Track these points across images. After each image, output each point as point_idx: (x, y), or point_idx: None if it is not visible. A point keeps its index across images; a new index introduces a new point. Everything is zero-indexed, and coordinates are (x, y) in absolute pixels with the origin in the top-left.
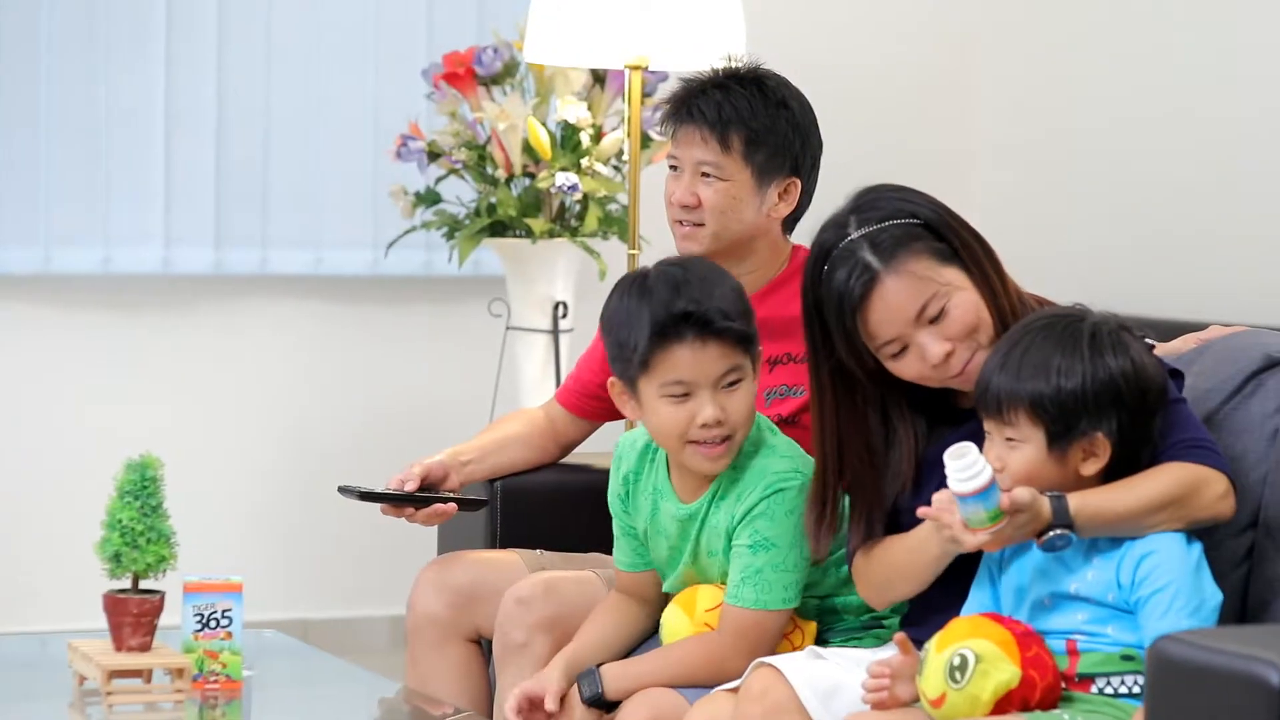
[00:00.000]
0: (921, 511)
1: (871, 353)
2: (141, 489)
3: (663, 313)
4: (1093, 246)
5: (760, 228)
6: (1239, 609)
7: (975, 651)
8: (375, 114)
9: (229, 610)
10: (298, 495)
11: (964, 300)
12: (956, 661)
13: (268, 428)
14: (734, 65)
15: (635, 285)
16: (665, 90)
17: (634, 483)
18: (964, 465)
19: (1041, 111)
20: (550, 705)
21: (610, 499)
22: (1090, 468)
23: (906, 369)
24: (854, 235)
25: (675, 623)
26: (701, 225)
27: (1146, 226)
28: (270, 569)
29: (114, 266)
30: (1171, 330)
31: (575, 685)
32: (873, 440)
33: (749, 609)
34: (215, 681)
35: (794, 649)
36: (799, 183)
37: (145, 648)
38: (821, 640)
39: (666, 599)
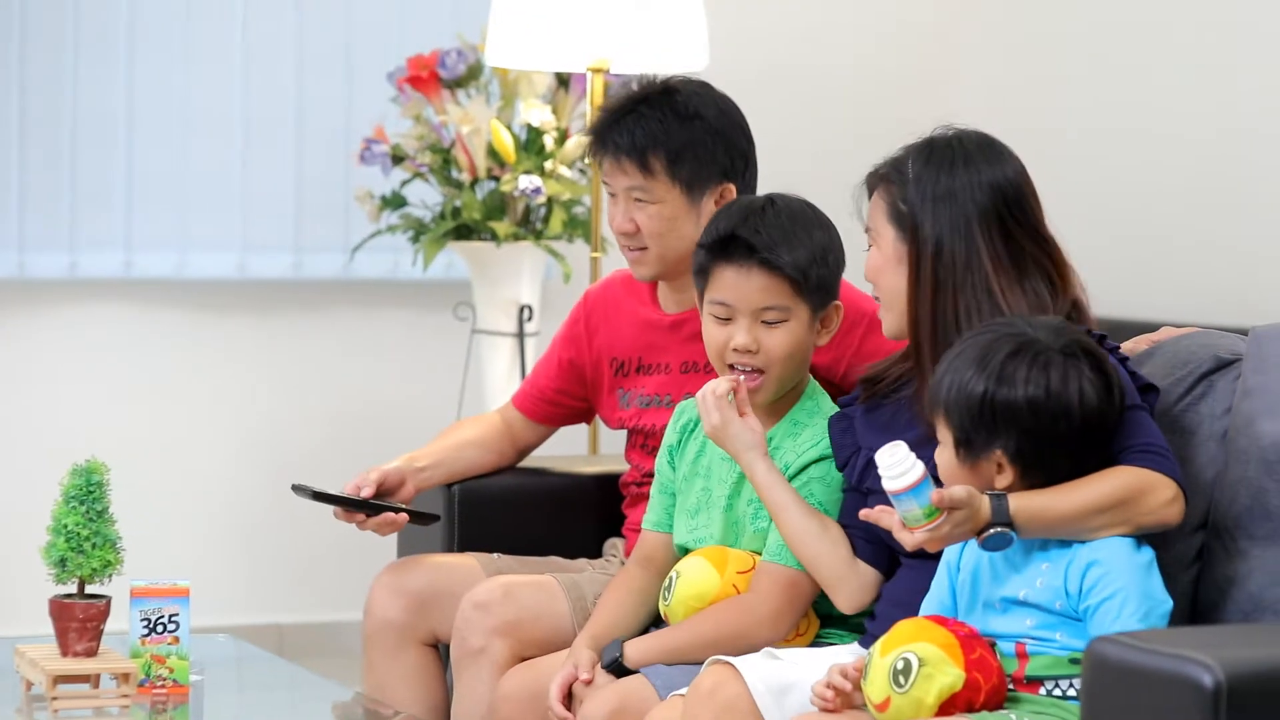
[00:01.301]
0: (864, 514)
1: None
2: (87, 494)
3: (723, 229)
4: (1069, 249)
5: None
6: (1189, 611)
7: (919, 655)
8: (347, 118)
9: (176, 615)
10: (267, 499)
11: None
12: (900, 665)
13: (235, 431)
14: (644, 84)
15: (733, 203)
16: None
17: (689, 432)
18: (894, 462)
19: (1018, 113)
20: (584, 674)
21: (659, 455)
22: (1001, 481)
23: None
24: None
25: (701, 575)
26: (645, 249)
27: (1123, 229)
28: (243, 573)
29: (80, 272)
30: (1144, 331)
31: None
32: None
33: (790, 568)
34: (162, 687)
35: (798, 636)
36: (733, 186)
37: (91, 653)
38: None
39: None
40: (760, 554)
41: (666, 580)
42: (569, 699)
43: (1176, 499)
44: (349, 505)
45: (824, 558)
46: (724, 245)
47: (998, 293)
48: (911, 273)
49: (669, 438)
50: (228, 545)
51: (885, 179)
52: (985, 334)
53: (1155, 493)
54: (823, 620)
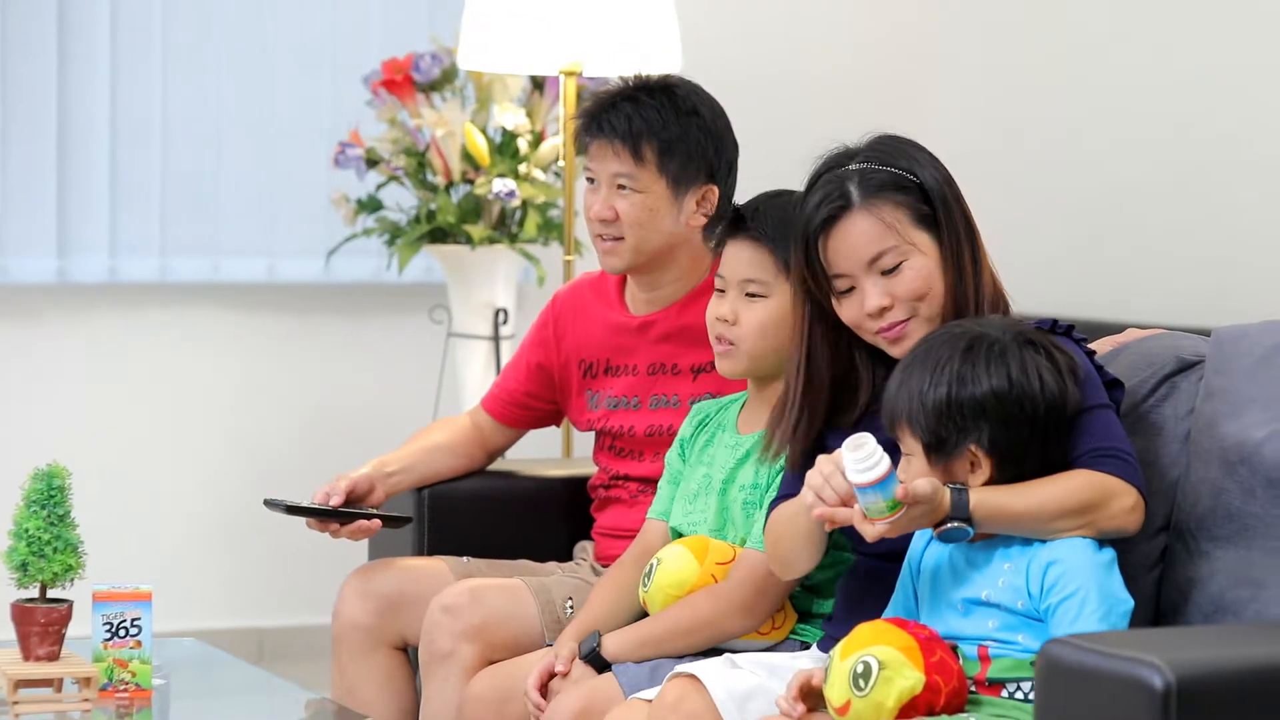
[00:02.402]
0: (818, 514)
1: (823, 284)
2: (48, 498)
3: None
4: (1046, 254)
5: (680, 237)
6: (1153, 612)
7: (878, 659)
8: (327, 121)
9: (138, 619)
10: (246, 502)
11: (921, 265)
12: (860, 669)
13: (214, 435)
14: (644, 76)
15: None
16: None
17: (702, 426)
18: (862, 456)
19: (995, 121)
20: (561, 667)
21: (671, 449)
22: (976, 479)
23: (846, 310)
24: (850, 168)
25: (680, 564)
26: (621, 239)
27: (1100, 233)
28: (222, 578)
29: (64, 277)
30: (1110, 333)
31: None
32: (830, 369)
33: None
34: (124, 691)
35: (774, 629)
36: (716, 189)
37: (53, 657)
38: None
39: None
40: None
41: (647, 567)
42: (546, 691)
43: (1137, 507)
44: (321, 516)
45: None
46: (731, 222)
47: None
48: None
49: (683, 431)
50: (207, 549)
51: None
52: (934, 341)
53: (1117, 499)
54: (800, 616)
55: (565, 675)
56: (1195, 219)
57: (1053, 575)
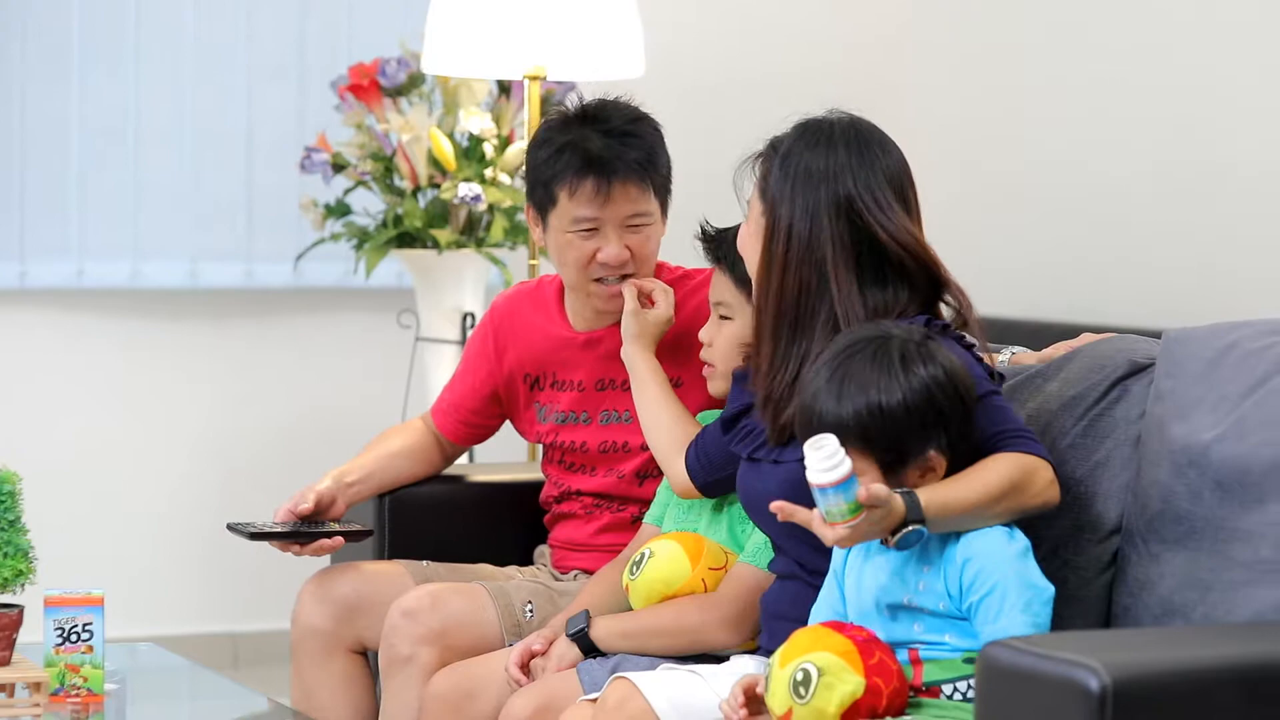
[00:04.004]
0: (776, 506)
1: None
2: None
3: None
4: (1026, 255)
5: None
6: (1104, 615)
7: (817, 665)
8: (299, 127)
9: (90, 624)
10: (219, 506)
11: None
12: (799, 677)
13: (186, 440)
14: (587, 105)
15: None
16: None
17: None
18: (824, 456)
19: (972, 121)
20: (538, 645)
21: None
22: (928, 482)
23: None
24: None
25: (673, 562)
26: (629, 275)
27: (1080, 234)
28: (195, 582)
29: (31, 281)
30: (1065, 336)
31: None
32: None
33: (762, 571)
34: (76, 696)
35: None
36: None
37: (4, 662)
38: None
39: None
40: (736, 554)
41: (638, 554)
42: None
43: (1054, 480)
44: (283, 538)
45: (663, 445)
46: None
47: (830, 276)
48: (765, 247)
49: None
50: (178, 554)
51: (764, 155)
52: (842, 354)
53: (1039, 475)
54: None
55: (542, 653)
56: (1154, 223)
57: (970, 573)
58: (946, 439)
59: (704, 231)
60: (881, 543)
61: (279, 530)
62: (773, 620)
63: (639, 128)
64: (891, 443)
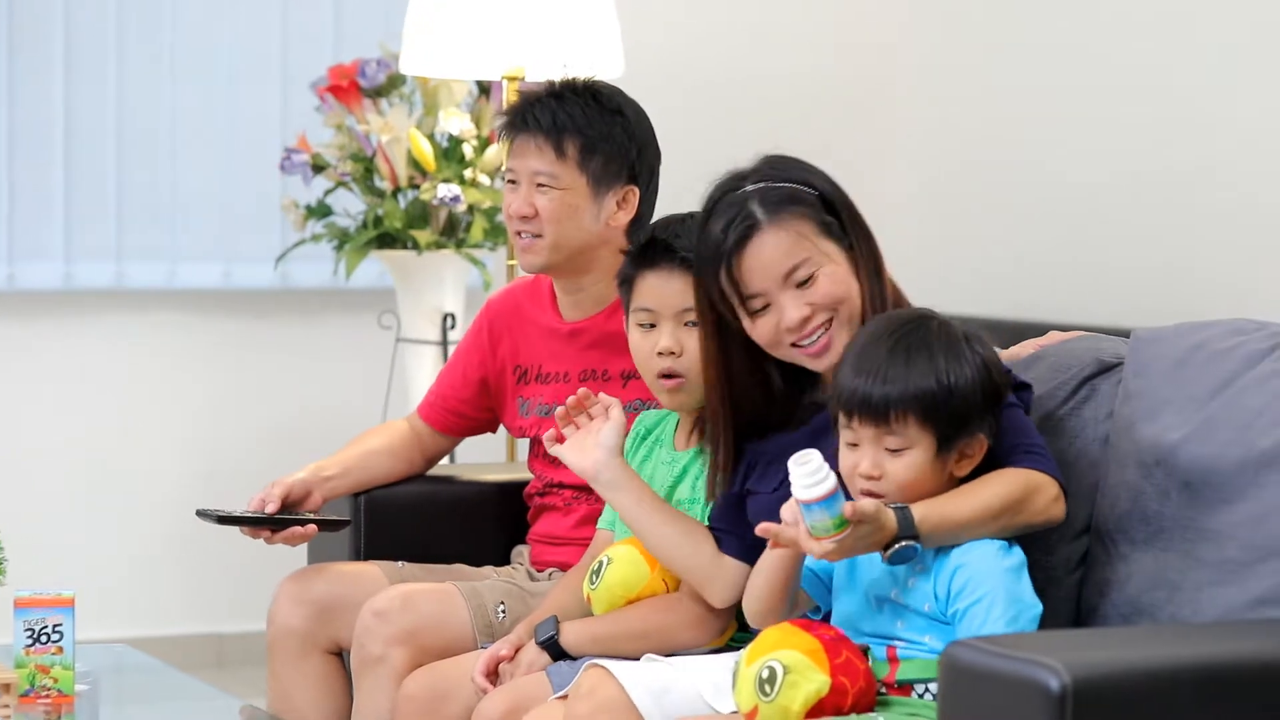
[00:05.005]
0: (761, 529)
1: (736, 309)
2: None
3: (645, 237)
4: (1010, 254)
5: (600, 237)
6: (1073, 615)
7: (783, 663)
8: (281, 128)
9: (60, 625)
10: (196, 507)
11: (835, 273)
12: (765, 674)
13: (168, 440)
14: (570, 79)
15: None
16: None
17: (641, 440)
18: (809, 472)
19: (958, 122)
20: (504, 651)
21: None
22: (964, 468)
23: (761, 330)
24: (748, 188)
25: (631, 567)
26: (540, 236)
27: (1049, 234)
28: (179, 583)
29: (18, 284)
30: (1033, 334)
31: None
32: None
33: None
34: (47, 697)
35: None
36: (637, 190)
37: None
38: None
39: None
40: None
41: (596, 564)
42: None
43: (1060, 497)
44: (254, 524)
45: (689, 559)
46: (645, 251)
47: None
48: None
49: (625, 444)
50: (162, 555)
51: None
52: (896, 330)
53: (1043, 492)
54: (741, 625)
55: (510, 659)
56: (1172, 220)
57: (960, 580)
58: (996, 424)
59: (656, 239)
60: (881, 557)
61: (248, 515)
62: None
63: (590, 104)
64: (954, 418)
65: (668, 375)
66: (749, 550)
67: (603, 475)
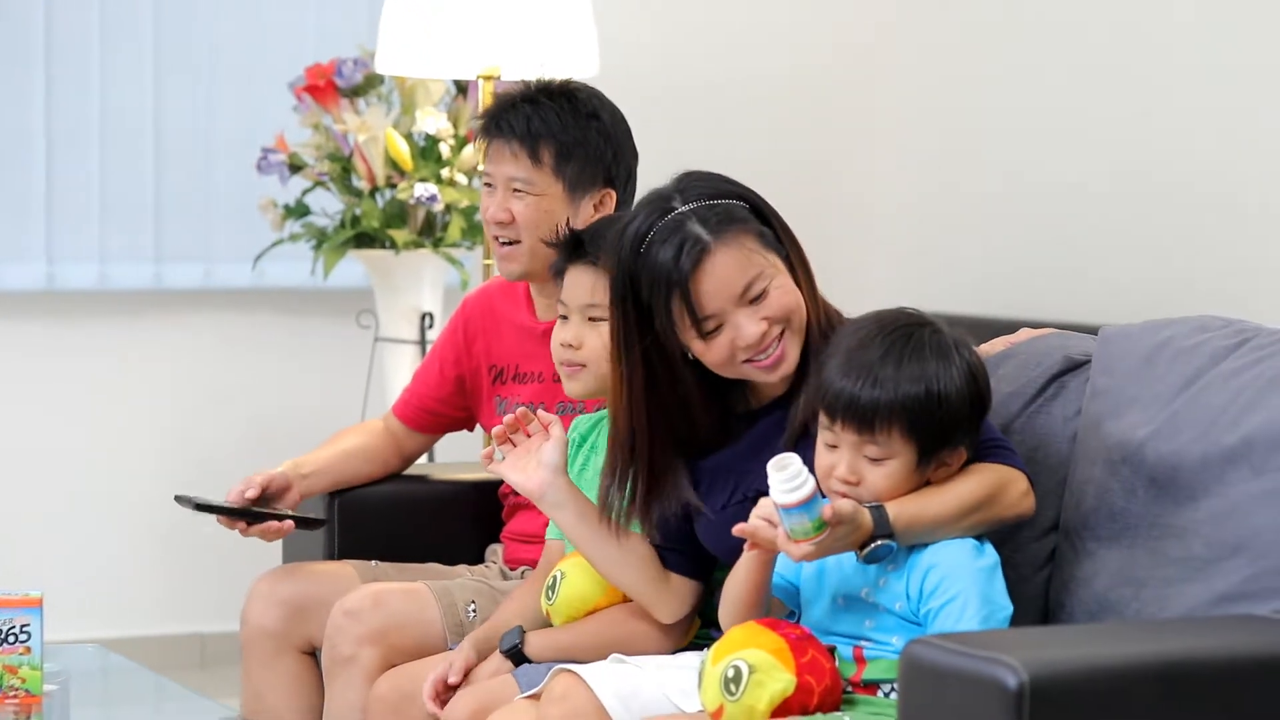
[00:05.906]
0: (739, 529)
1: (683, 333)
2: None
3: (575, 234)
4: (982, 252)
5: None
6: (1042, 612)
7: (749, 662)
8: (262, 127)
9: (28, 625)
10: (176, 506)
11: (784, 284)
12: (730, 674)
13: (148, 440)
14: (546, 80)
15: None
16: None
17: (579, 444)
18: (788, 476)
19: (941, 121)
20: (453, 678)
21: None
22: (941, 476)
23: (716, 351)
24: (681, 209)
25: (586, 576)
26: (517, 242)
27: (1048, 232)
28: (161, 583)
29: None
30: (1004, 332)
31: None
32: (695, 414)
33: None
34: (14, 697)
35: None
36: (614, 194)
37: None
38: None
39: None
40: None
41: (550, 579)
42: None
43: (1029, 491)
44: (231, 514)
45: (634, 578)
46: (566, 249)
47: None
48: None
49: (569, 453)
50: (144, 555)
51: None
52: (883, 335)
53: (1013, 486)
54: (704, 622)
55: (456, 686)
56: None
57: (932, 580)
58: (977, 435)
59: (576, 237)
60: (857, 557)
61: (225, 506)
62: None
63: (566, 108)
64: (940, 430)
65: (566, 364)
66: (696, 566)
67: (548, 495)
